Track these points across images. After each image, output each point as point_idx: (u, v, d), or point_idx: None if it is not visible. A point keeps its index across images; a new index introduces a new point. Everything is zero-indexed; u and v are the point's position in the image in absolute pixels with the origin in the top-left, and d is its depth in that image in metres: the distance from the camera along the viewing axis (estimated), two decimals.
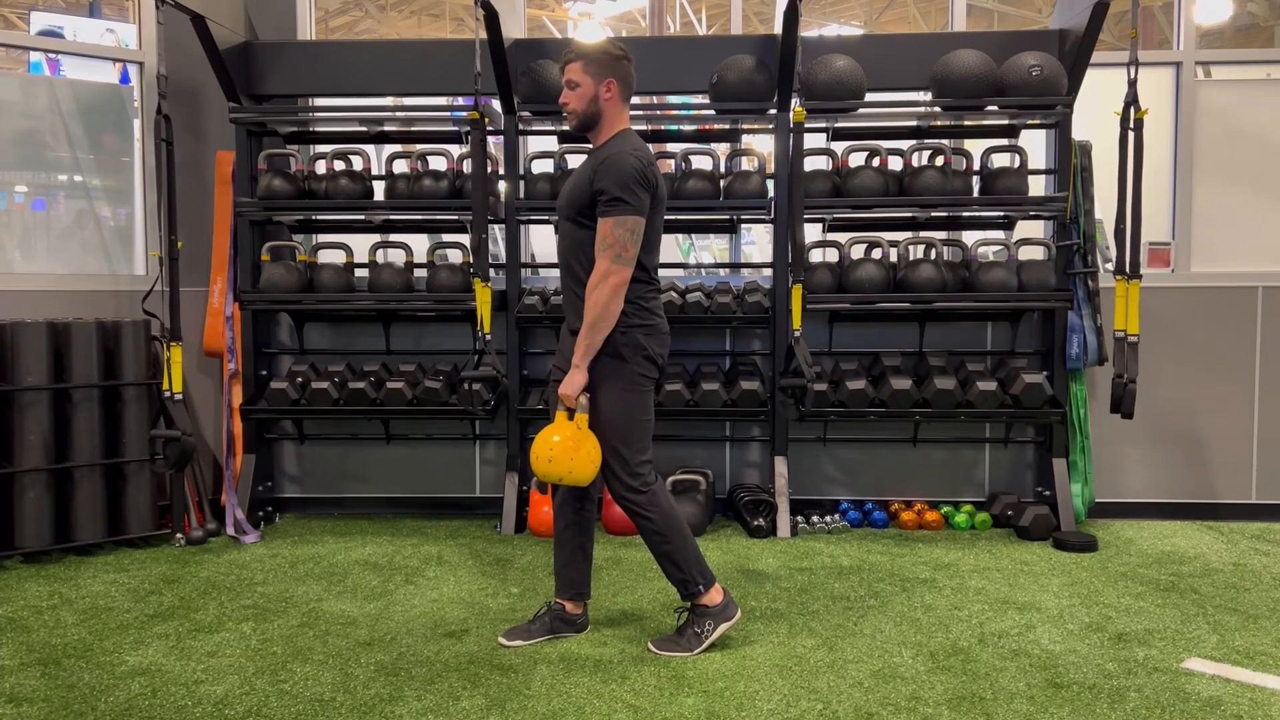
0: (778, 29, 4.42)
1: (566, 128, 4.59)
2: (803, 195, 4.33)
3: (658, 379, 2.98)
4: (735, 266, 5.78)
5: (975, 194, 4.51)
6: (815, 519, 4.42)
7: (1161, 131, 4.69)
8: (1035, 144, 4.72)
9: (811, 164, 4.54)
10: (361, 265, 4.66)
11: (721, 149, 4.70)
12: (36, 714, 2.54)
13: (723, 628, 2.96)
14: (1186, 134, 4.71)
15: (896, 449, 4.72)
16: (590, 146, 3.03)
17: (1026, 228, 4.77)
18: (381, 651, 2.96)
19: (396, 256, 4.70)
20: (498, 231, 5.46)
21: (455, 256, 4.77)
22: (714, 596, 2.96)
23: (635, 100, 5.03)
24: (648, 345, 2.89)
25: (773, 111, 4.48)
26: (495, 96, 4.52)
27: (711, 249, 8.66)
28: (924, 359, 4.58)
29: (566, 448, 2.79)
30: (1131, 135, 4.02)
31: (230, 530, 4.35)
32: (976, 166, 4.57)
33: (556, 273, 4.89)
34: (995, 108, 4.36)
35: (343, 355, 4.77)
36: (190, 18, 4.25)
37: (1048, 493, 4.48)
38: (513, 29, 4.60)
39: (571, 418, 2.84)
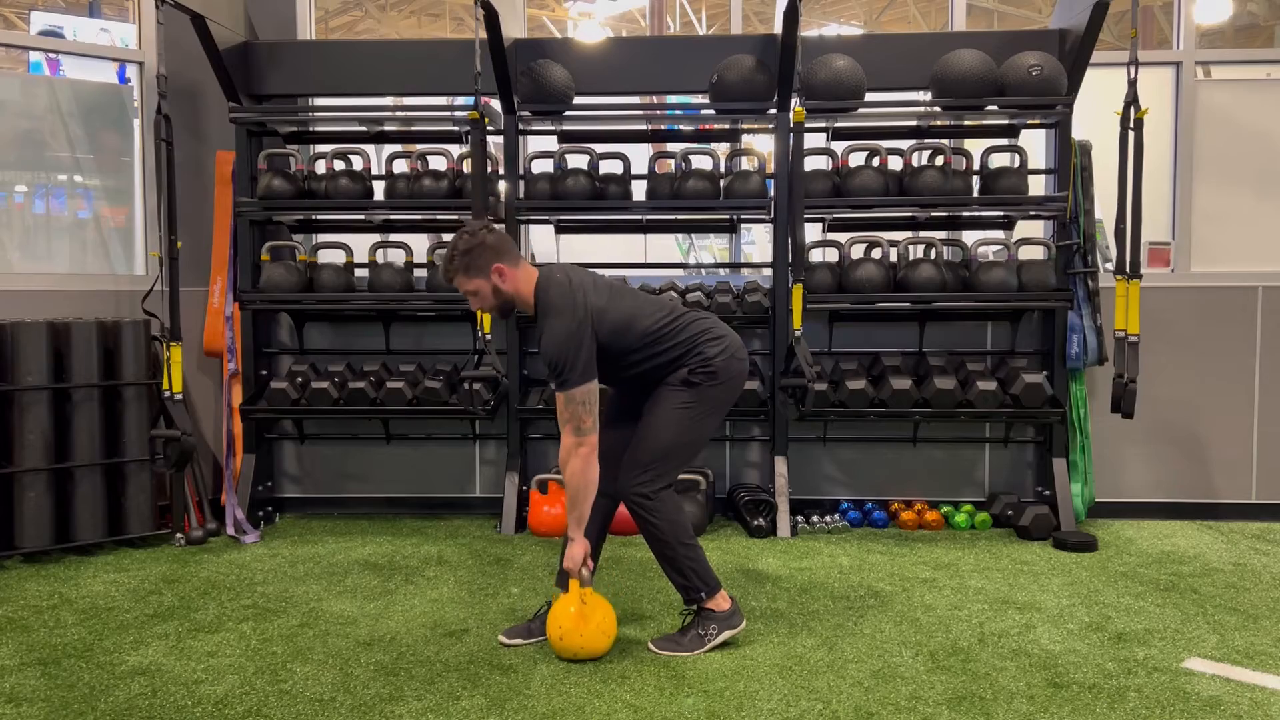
0: (778, 29, 4.42)
1: (567, 127, 4.64)
2: (803, 195, 4.33)
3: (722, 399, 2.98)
4: (735, 266, 5.78)
5: (975, 194, 4.51)
6: (815, 519, 4.42)
7: (1161, 131, 4.69)
8: (1035, 144, 4.72)
9: (811, 164, 4.53)
10: (361, 265, 4.65)
11: (721, 149, 4.69)
12: (36, 714, 2.54)
13: (727, 634, 2.95)
14: (1186, 134, 4.70)
15: (896, 449, 4.71)
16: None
17: (1026, 227, 4.77)
18: (381, 651, 2.96)
19: (396, 256, 4.70)
20: None
21: None
22: (720, 602, 2.96)
23: (635, 100, 5.07)
24: (721, 371, 2.92)
25: (773, 111, 4.48)
26: (495, 96, 4.52)
27: (711, 249, 8.64)
28: (924, 359, 4.58)
29: (575, 624, 2.83)
30: (1131, 135, 4.03)
31: (230, 530, 4.35)
32: (976, 166, 4.57)
33: None
34: (995, 108, 4.36)
35: (343, 355, 4.77)
36: (190, 17, 4.25)
37: (1048, 492, 4.48)
38: (513, 29, 4.60)
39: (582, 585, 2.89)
